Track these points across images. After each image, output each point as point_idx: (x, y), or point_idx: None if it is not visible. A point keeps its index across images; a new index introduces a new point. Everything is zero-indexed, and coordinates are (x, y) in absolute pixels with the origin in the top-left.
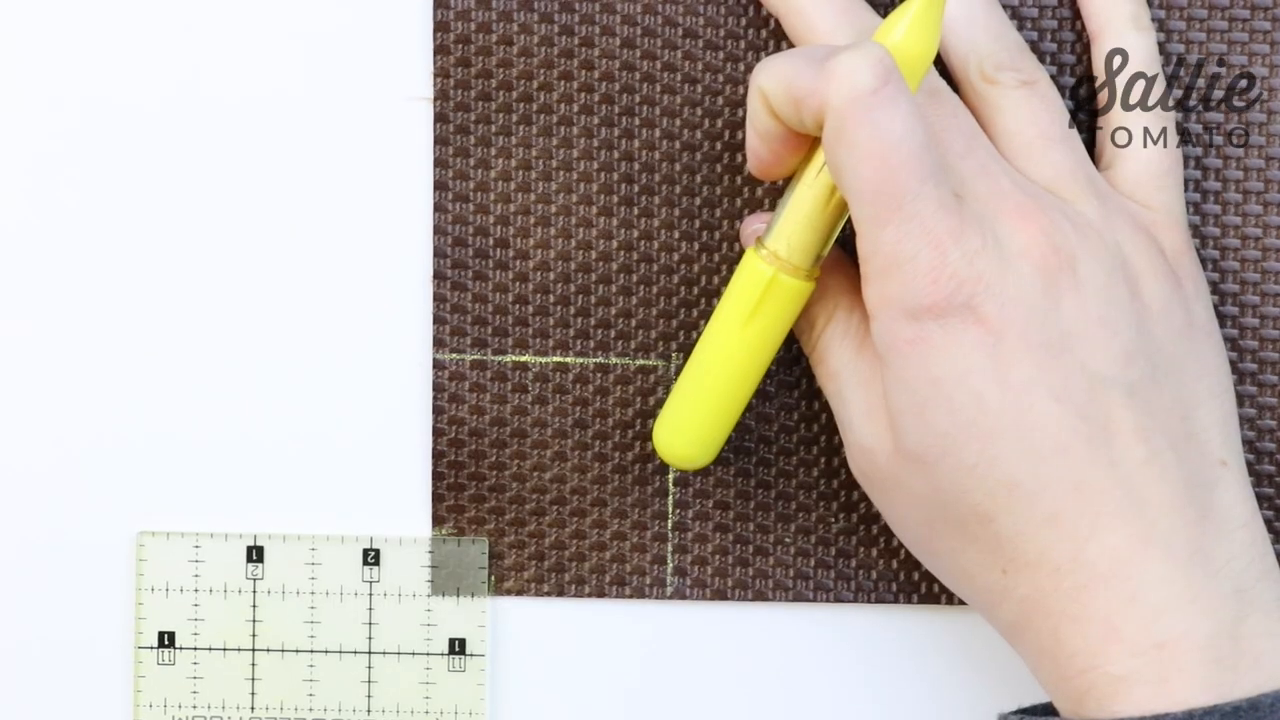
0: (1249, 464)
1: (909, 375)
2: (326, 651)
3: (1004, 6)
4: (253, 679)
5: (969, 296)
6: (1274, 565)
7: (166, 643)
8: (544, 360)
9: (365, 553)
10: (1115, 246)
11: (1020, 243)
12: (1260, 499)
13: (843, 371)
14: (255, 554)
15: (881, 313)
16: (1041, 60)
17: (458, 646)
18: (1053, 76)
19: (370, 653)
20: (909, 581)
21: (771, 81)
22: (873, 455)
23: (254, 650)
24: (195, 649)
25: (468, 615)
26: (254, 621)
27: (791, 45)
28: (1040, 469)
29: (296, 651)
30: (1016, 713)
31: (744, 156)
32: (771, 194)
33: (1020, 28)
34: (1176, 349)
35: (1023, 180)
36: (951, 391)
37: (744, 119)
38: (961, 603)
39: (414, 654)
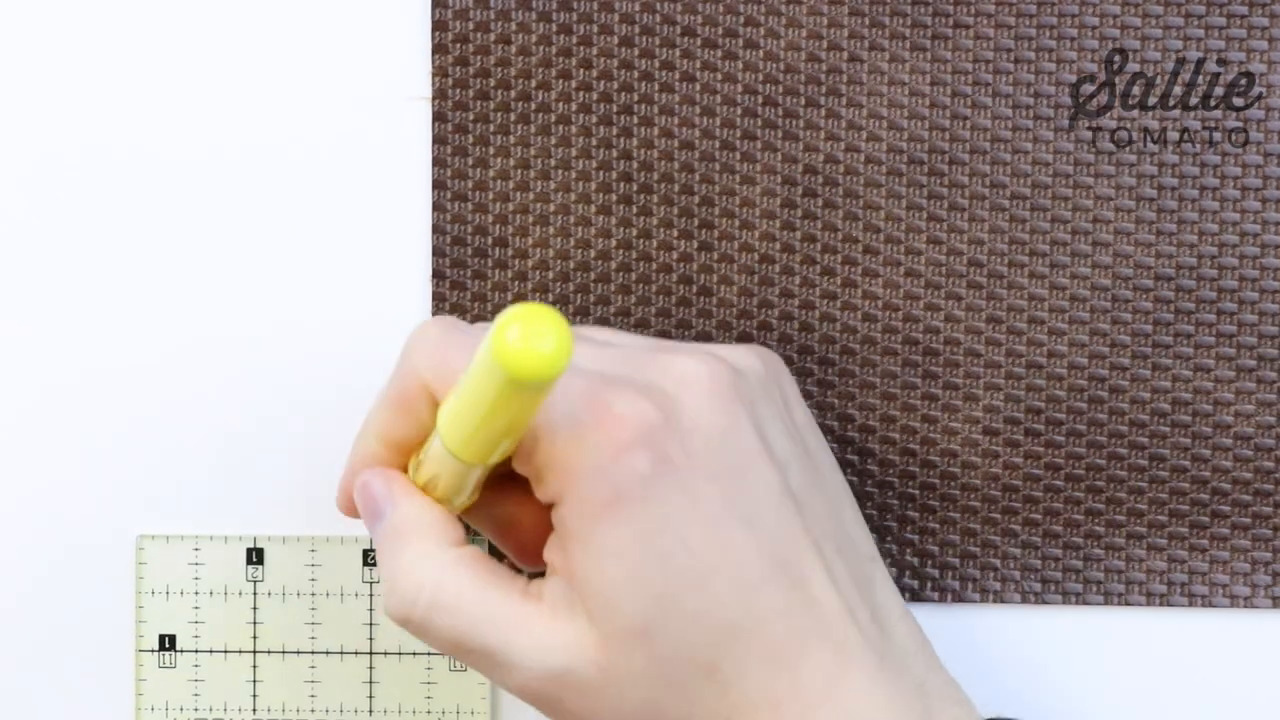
0: (1247, 459)
1: (614, 541)
2: (328, 653)
3: (1005, 2)
4: (254, 681)
5: (648, 439)
6: (931, 650)
7: (167, 646)
8: None
9: (365, 553)
10: (755, 367)
11: (677, 372)
12: (1260, 495)
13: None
14: (255, 556)
15: (568, 491)
16: (1041, 58)
17: None
18: (1051, 74)
19: (371, 653)
20: (899, 580)
21: (375, 417)
22: (568, 672)
23: (255, 652)
24: (196, 652)
25: None
26: (255, 624)
27: None
28: (752, 603)
29: (298, 653)
30: None
31: (743, 156)
32: (771, 194)
33: (1020, 23)
34: (818, 455)
35: (672, 345)
36: (659, 543)
37: (744, 117)
38: (960, 601)
39: (415, 654)
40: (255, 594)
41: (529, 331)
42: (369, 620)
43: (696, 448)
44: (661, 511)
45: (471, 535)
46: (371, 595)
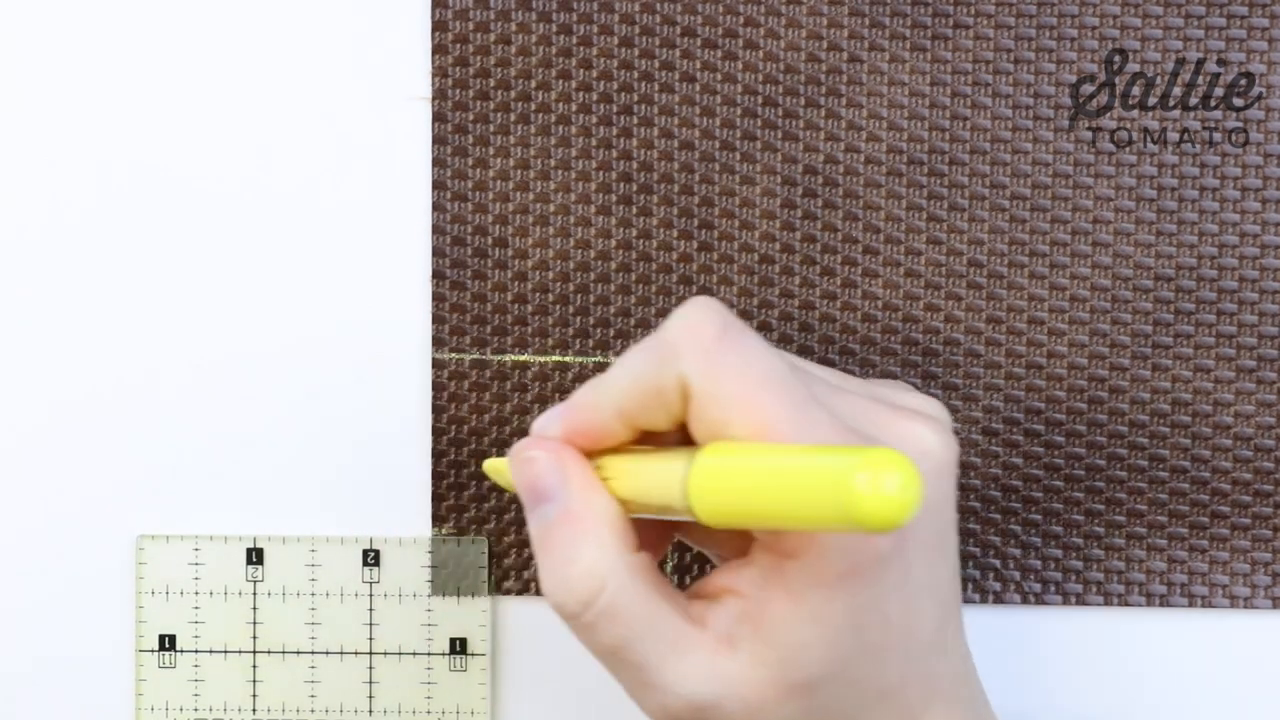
0: (1246, 460)
1: (827, 607)
2: (327, 653)
3: (1005, 2)
4: (254, 681)
5: None
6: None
7: (167, 646)
8: (544, 360)
9: (365, 553)
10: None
11: (915, 441)
12: (1260, 496)
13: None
14: (255, 556)
15: (804, 552)
16: (1041, 58)
17: (459, 646)
18: (1051, 74)
19: (371, 653)
20: None
21: (619, 392)
22: (715, 705)
23: (255, 652)
24: (196, 651)
25: (468, 615)
26: (254, 623)
27: None
28: (909, 670)
29: (298, 653)
30: None
31: (743, 156)
32: (771, 194)
33: (1020, 23)
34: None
35: (878, 391)
36: (866, 618)
37: (744, 117)
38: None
39: (415, 654)
40: (255, 594)
41: (881, 479)
42: (369, 620)
43: (920, 522)
44: (880, 589)
45: None
46: (371, 595)
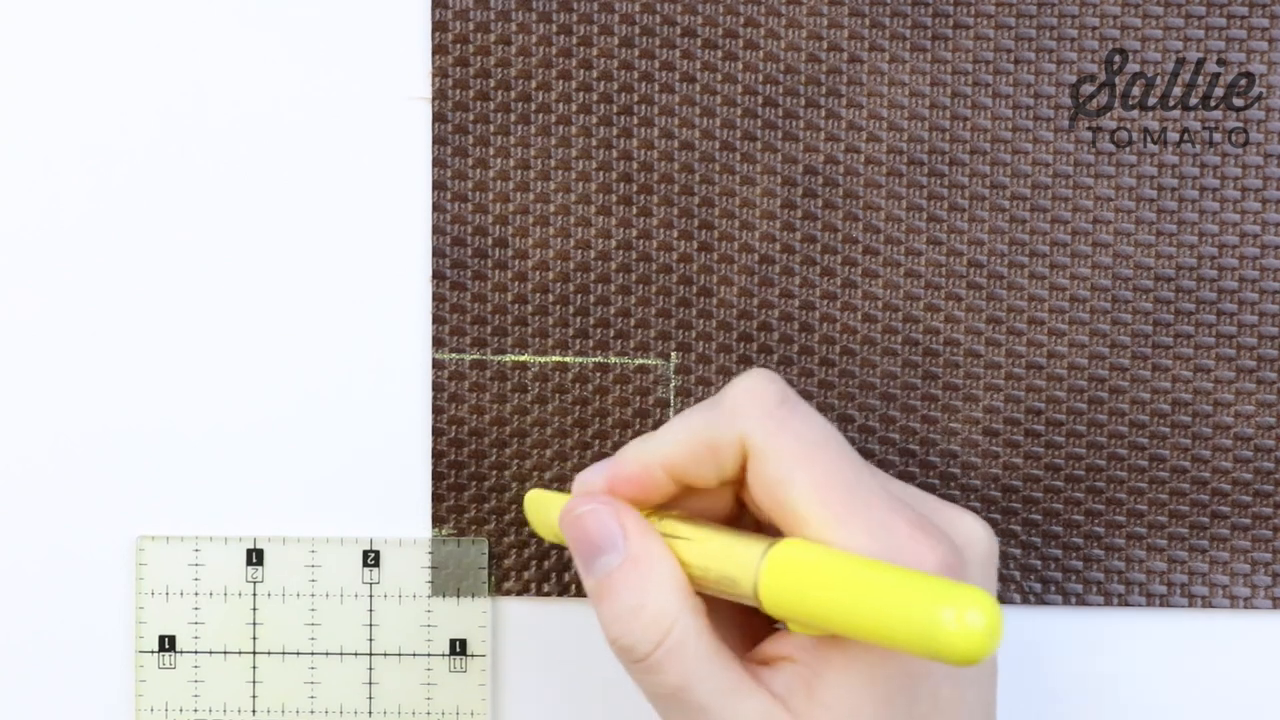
0: (1247, 460)
1: (883, 671)
2: (327, 653)
3: (1005, 2)
4: (254, 681)
5: None
6: None
7: (167, 646)
8: (543, 360)
9: (365, 554)
10: None
11: (965, 530)
12: (1260, 496)
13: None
14: (255, 557)
15: None
16: (1041, 58)
17: (459, 647)
18: (1051, 74)
19: (371, 654)
20: None
21: (671, 447)
22: None
23: (255, 653)
24: (196, 652)
25: (468, 616)
26: (254, 624)
27: None
28: None
29: (297, 654)
30: None
31: (743, 156)
32: (771, 194)
33: (1020, 23)
34: None
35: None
36: (918, 689)
37: (744, 117)
38: None
39: (415, 655)
40: (255, 594)
41: (968, 616)
42: (369, 620)
43: None
44: (931, 663)
45: None
46: (371, 596)
